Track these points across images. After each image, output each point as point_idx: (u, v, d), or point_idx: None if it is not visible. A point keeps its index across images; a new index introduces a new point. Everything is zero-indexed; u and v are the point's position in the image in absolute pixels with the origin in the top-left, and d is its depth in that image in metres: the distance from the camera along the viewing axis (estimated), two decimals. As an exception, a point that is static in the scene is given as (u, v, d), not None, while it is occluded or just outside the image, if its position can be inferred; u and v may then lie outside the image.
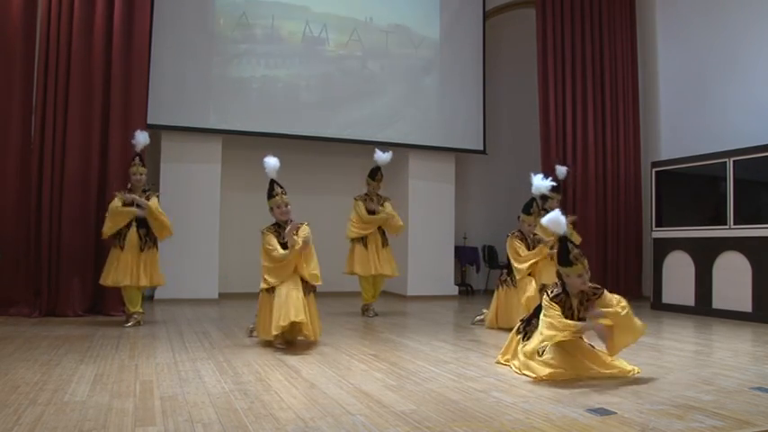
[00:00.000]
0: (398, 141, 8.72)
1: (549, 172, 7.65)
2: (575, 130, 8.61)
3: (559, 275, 3.70)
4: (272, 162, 4.79)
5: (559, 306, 3.62)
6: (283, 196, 4.73)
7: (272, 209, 4.74)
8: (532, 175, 5.64)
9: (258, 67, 8.07)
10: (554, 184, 5.74)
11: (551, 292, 3.70)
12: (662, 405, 2.95)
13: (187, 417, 2.67)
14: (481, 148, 9.34)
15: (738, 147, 6.77)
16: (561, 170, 7.47)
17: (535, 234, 5.87)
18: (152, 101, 7.15)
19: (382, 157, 6.60)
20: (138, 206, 5.52)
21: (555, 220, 3.74)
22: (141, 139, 5.77)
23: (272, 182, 4.78)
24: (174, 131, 7.62)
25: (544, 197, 6.31)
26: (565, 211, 4.00)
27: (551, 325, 3.54)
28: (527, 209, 5.88)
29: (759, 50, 7.27)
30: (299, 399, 3.02)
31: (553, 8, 8.63)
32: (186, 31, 7.67)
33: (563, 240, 3.68)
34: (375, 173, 6.64)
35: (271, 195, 4.75)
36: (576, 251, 3.60)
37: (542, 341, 3.60)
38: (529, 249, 5.77)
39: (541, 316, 3.68)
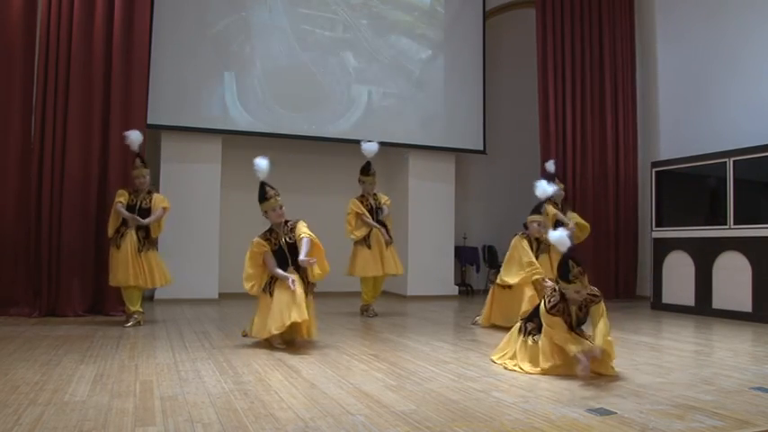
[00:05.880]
0: (398, 141, 8.73)
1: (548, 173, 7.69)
2: (574, 129, 8.61)
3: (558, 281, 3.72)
4: (263, 163, 4.59)
5: (558, 315, 3.64)
6: (277, 198, 4.56)
7: (266, 212, 4.57)
8: (536, 183, 5.72)
9: (258, 67, 8.06)
10: (557, 188, 5.92)
11: (549, 301, 3.70)
12: (662, 405, 2.96)
13: (187, 417, 2.67)
14: (481, 148, 9.34)
15: (738, 147, 6.77)
16: (549, 165, 7.61)
17: (542, 241, 5.88)
18: (152, 101, 7.14)
19: (369, 147, 6.52)
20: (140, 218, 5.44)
21: (560, 240, 3.77)
22: (134, 137, 5.67)
23: (263, 184, 4.58)
24: (174, 131, 7.62)
25: None
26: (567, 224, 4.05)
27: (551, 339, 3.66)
28: (537, 210, 5.90)
29: (759, 50, 7.27)
30: (299, 399, 3.02)
31: (553, 8, 8.63)
32: (186, 31, 7.67)
33: (566, 257, 3.67)
34: (366, 168, 6.58)
35: (264, 198, 4.55)
36: (576, 270, 3.57)
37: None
38: (535, 252, 5.78)
39: (544, 328, 3.73)
